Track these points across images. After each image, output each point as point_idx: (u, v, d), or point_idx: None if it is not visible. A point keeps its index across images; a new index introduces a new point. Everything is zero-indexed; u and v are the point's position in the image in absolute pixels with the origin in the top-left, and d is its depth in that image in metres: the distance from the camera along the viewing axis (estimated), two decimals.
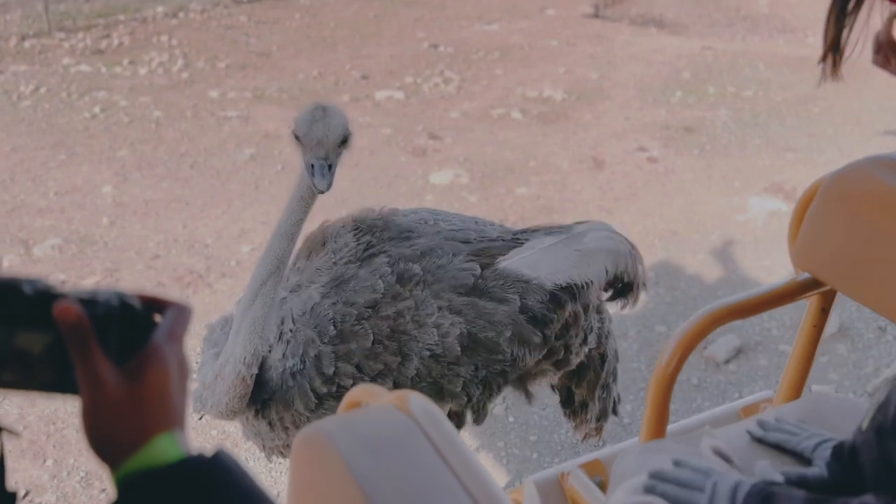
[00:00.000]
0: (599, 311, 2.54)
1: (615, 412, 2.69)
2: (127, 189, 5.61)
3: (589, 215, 5.31)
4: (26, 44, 8.69)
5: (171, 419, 0.72)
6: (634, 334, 4.09)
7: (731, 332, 4.06)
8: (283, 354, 2.07)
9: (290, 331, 2.09)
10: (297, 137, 1.88)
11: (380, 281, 2.11)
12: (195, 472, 0.71)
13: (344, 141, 1.88)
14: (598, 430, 2.64)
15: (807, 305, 2.12)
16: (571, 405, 2.62)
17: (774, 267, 4.63)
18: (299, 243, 2.23)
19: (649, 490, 1.43)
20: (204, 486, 0.70)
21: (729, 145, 6.44)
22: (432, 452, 0.92)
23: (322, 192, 1.84)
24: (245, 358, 2.00)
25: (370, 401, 1.07)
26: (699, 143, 6.46)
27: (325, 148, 1.82)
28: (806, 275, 1.98)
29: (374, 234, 2.23)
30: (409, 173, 5.86)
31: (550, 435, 3.48)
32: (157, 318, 0.76)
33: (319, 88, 7.63)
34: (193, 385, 2.17)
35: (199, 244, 4.95)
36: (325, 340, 2.06)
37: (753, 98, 7.52)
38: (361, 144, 6.32)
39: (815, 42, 8.33)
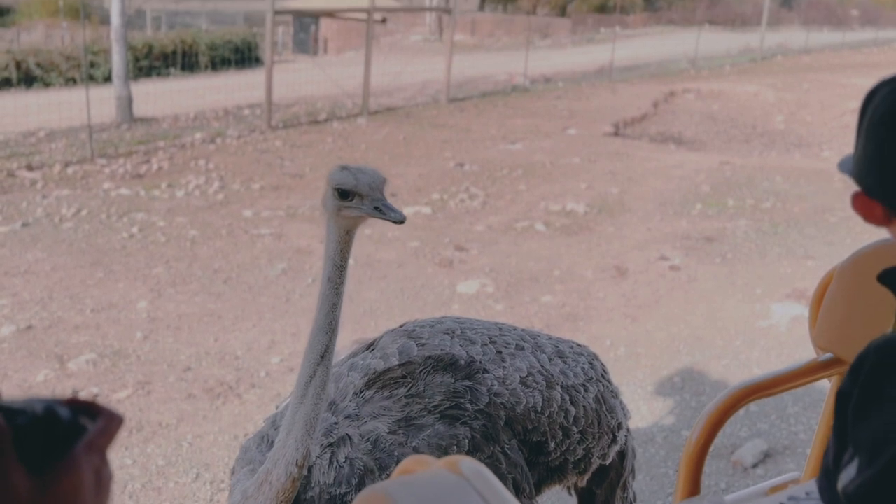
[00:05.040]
0: (618, 406, 2.56)
1: None
2: (161, 304, 5.77)
3: (613, 322, 5.37)
4: (69, 170, 9.14)
5: None
6: (661, 440, 4.07)
7: (759, 436, 4.03)
8: (335, 479, 2.06)
9: (346, 458, 2.09)
10: (344, 192, 1.95)
11: (455, 447, 2.15)
12: None
13: (385, 183, 2.03)
14: None
15: (829, 387, 2.16)
16: None
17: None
18: (365, 372, 2.29)
19: None
20: None
21: (750, 254, 6.53)
22: None
23: (402, 222, 1.94)
24: (297, 460, 2.00)
25: (421, 469, 1.15)
26: (720, 252, 6.56)
27: (378, 190, 1.95)
28: (828, 356, 2.05)
29: (464, 396, 2.26)
30: (436, 284, 6.00)
31: None
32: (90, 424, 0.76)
33: None
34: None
35: (230, 356, 5.04)
36: (385, 476, 2.06)
37: (772, 209, 7.66)
38: (389, 257, 6.50)
39: (830, 156, 8.59)
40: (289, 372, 4.81)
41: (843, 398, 1.21)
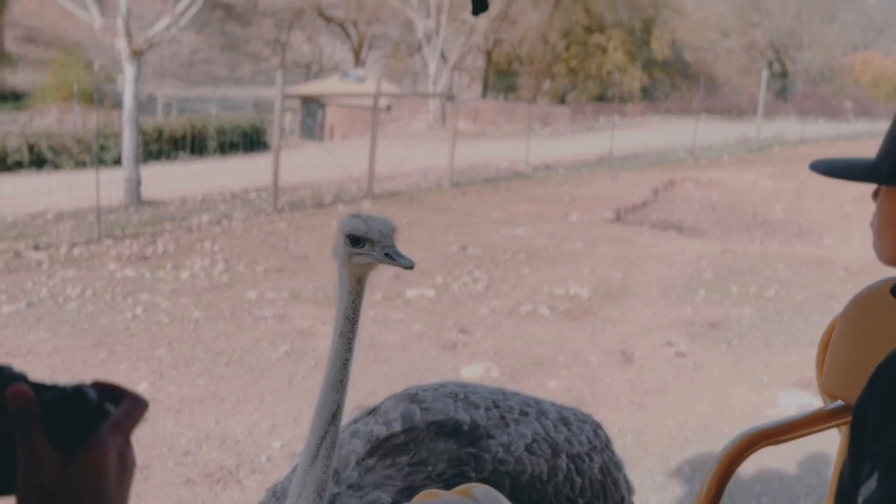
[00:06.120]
0: (621, 479, 2.52)
1: None
2: (163, 386, 5.72)
3: (620, 409, 5.31)
4: (76, 251, 9.19)
5: None
6: None
7: None
8: None
9: None
10: (355, 239, 1.94)
11: None
12: None
13: (395, 231, 2.05)
14: None
15: (840, 436, 2.15)
16: None
17: (810, 461, 4.55)
18: (368, 439, 2.26)
19: None
20: None
21: (755, 341, 6.50)
22: None
23: (411, 268, 1.91)
24: None
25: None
26: (726, 338, 6.54)
27: (388, 237, 1.94)
28: (837, 404, 2.05)
29: (467, 464, 2.22)
30: (440, 367, 5.96)
31: None
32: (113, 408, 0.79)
33: None
34: None
35: (231, 440, 4.97)
36: None
37: (776, 296, 7.67)
38: (393, 340, 6.48)
39: (831, 244, 8.65)
40: (290, 457, 4.73)
41: (861, 411, 1.19)
